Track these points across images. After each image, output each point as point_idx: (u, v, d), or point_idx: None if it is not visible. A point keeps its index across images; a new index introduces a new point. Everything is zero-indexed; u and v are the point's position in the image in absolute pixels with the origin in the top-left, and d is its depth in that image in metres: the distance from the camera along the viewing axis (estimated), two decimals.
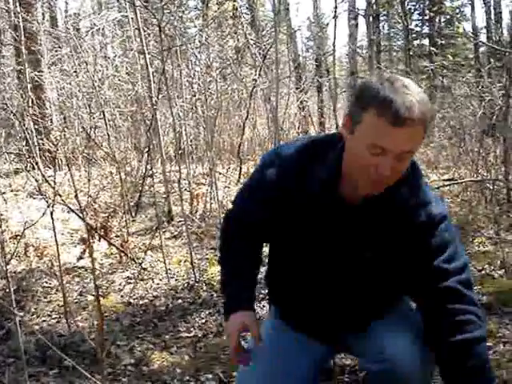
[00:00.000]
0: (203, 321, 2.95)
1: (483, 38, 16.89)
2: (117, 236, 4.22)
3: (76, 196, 2.27)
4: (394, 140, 1.20)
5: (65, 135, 5.60)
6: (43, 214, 2.55)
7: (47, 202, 2.65)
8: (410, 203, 1.35)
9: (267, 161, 1.47)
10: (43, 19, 10.19)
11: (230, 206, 1.64)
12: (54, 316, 3.07)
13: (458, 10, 19.11)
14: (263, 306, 2.99)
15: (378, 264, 1.40)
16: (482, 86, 6.46)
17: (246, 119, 6.97)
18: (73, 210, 3.04)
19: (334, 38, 6.63)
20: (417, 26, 19.61)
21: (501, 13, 16.52)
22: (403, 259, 1.37)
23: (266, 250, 1.64)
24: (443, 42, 15.85)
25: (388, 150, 1.21)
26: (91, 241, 3.06)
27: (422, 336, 1.40)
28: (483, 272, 3.34)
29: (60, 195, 2.77)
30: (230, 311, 1.48)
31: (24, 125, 6.53)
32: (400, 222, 1.35)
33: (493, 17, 16.69)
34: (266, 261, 1.65)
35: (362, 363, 1.63)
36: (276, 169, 1.42)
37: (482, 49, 15.47)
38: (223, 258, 1.62)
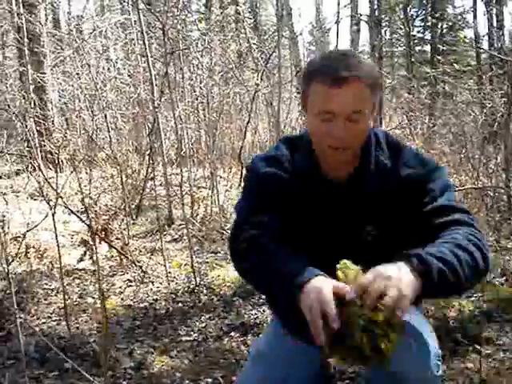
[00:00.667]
0: (203, 325, 2.95)
1: (485, 44, 16.92)
2: (117, 238, 4.21)
3: (82, 199, 2.28)
4: (337, 101, 1.25)
5: (66, 137, 5.61)
6: (45, 216, 2.56)
7: (49, 203, 2.65)
8: (398, 162, 1.37)
9: (257, 165, 1.46)
10: (46, 21, 10.20)
11: (231, 234, 1.47)
12: (54, 318, 3.07)
13: (460, 17, 19.15)
14: (263, 311, 2.99)
15: (382, 238, 1.37)
16: (484, 93, 6.47)
17: (247, 123, 6.97)
18: (74, 213, 3.05)
19: (336, 43, 6.67)
20: (419, 32, 19.64)
21: (503, 20, 16.54)
22: (409, 218, 1.34)
23: None
24: (445, 48, 15.87)
25: (336, 112, 1.26)
26: (93, 243, 3.06)
27: (427, 340, 1.38)
28: (484, 279, 3.33)
29: (61, 197, 2.77)
30: (303, 283, 1.18)
31: (26, 126, 6.54)
32: (393, 182, 1.35)
33: (495, 24, 16.70)
34: None
35: (363, 372, 1.62)
36: (270, 167, 1.43)
37: (483, 56, 15.47)
38: (259, 269, 1.34)
